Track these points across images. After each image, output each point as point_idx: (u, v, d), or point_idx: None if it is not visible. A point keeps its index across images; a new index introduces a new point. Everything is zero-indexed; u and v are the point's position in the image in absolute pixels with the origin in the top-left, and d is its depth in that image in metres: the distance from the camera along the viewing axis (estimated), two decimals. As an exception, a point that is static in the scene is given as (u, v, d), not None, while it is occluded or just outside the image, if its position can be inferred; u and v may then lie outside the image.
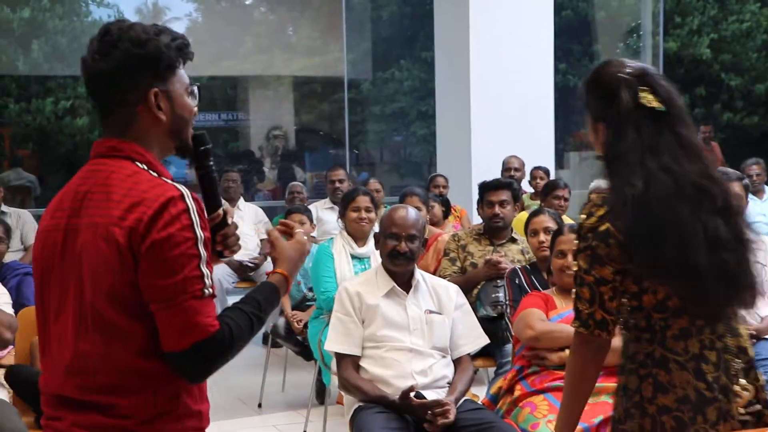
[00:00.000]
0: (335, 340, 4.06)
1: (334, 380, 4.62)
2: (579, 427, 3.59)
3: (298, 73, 14.47)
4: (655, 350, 2.39)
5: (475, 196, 6.03)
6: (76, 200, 2.07)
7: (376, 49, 15.60)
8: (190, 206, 2.00)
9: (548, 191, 7.08)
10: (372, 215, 5.50)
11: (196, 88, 2.21)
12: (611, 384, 3.78)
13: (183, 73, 2.17)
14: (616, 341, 3.87)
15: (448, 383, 4.03)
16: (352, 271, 5.31)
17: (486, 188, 5.64)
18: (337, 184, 7.97)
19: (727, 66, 16.93)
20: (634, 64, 2.47)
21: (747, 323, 2.61)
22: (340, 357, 4.05)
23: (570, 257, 4.09)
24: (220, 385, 6.96)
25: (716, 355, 2.37)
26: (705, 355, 2.36)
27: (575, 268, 2.44)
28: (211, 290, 2.01)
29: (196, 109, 2.21)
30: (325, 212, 7.98)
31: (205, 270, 2.00)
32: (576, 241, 2.44)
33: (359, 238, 5.49)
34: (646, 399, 2.40)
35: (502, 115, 8.88)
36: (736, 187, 4.91)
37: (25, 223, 7.28)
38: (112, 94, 2.10)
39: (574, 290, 2.47)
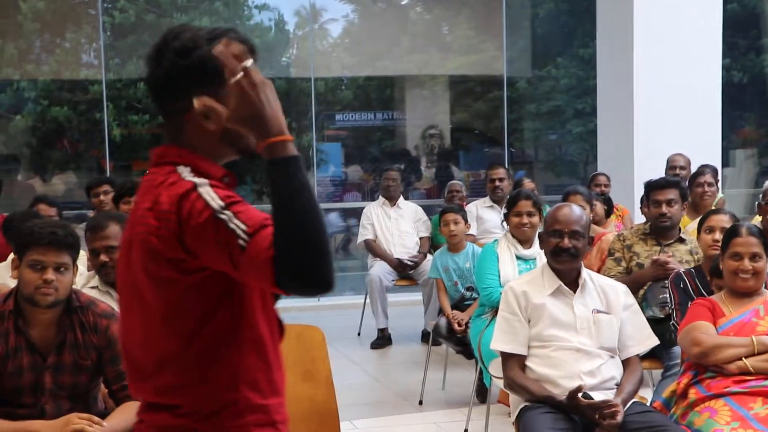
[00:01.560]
0: (501, 339, 4.04)
1: (495, 381, 4.61)
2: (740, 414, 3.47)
3: (454, 72, 14.47)
4: None
5: (638, 195, 5.91)
6: (133, 211, 2.11)
7: (534, 46, 15.46)
8: (201, 191, 1.94)
9: (692, 179, 6.98)
10: (534, 219, 5.53)
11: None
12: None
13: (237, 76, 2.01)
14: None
15: (617, 384, 3.95)
16: (516, 271, 5.31)
17: (653, 187, 5.52)
18: (497, 183, 7.98)
19: None
20: None
21: None
22: (506, 356, 4.03)
23: (747, 260, 3.96)
24: (381, 381, 7.05)
25: None
26: None
27: None
28: (246, 234, 1.86)
29: None
30: (485, 210, 7.99)
31: (232, 225, 1.88)
32: None
33: (524, 240, 5.53)
34: None
35: (666, 112, 8.67)
36: None
37: None
38: (164, 102, 2.09)
39: None
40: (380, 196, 8.59)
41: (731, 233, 4.12)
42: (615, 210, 7.71)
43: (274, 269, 1.82)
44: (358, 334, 8.69)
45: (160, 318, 2.02)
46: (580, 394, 3.70)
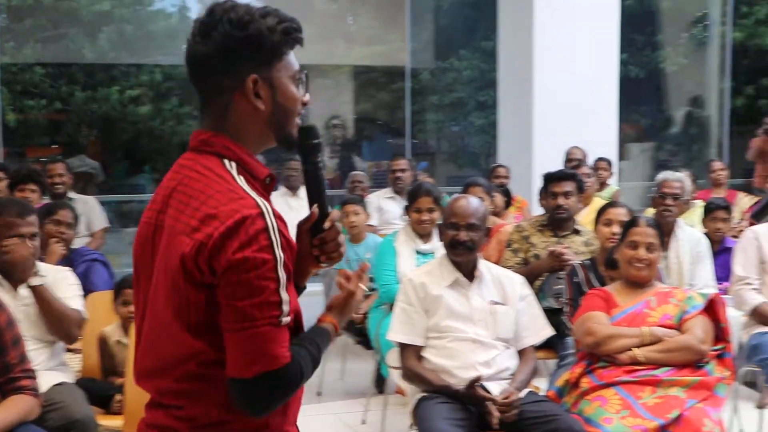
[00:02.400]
0: (398, 330, 4.05)
1: (392, 371, 4.62)
2: (654, 423, 3.57)
3: (358, 62, 14.46)
4: None
5: (536, 187, 5.98)
6: (165, 195, 1.96)
7: (437, 38, 15.54)
8: (269, 225, 1.84)
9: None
10: (434, 215, 5.53)
11: (304, 76, 2.04)
12: (685, 378, 3.77)
13: (292, 59, 2.00)
14: (688, 338, 3.86)
15: (512, 375, 4.00)
16: (414, 266, 5.32)
17: (550, 179, 5.59)
18: (399, 174, 7.99)
19: (794, 57, 16.59)
20: None
21: None
22: (403, 347, 4.04)
23: (643, 250, 4.06)
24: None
25: None
26: None
27: None
28: (288, 318, 1.86)
29: (307, 97, 2.05)
30: (386, 201, 8.00)
31: (284, 296, 1.85)
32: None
33: (423, 235, 5.54)
34: None
35: (564, 106, 8.80)
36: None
37: (91, 209, 7.37)
38: (210, 80, 1.95)
39: None
40: (282, 187, 8.54)
41: (630, 223, 4.22)
42: (514, 201, 7.80)
43: (272, 371, 1.83)
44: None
45: (170, 318, 1.90)
46: (477, 385, 3.74)
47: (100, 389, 4.29)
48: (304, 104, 2.05)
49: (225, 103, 1.95)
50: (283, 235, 1.87)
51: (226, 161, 1.94)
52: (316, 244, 2.10)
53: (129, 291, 4.26)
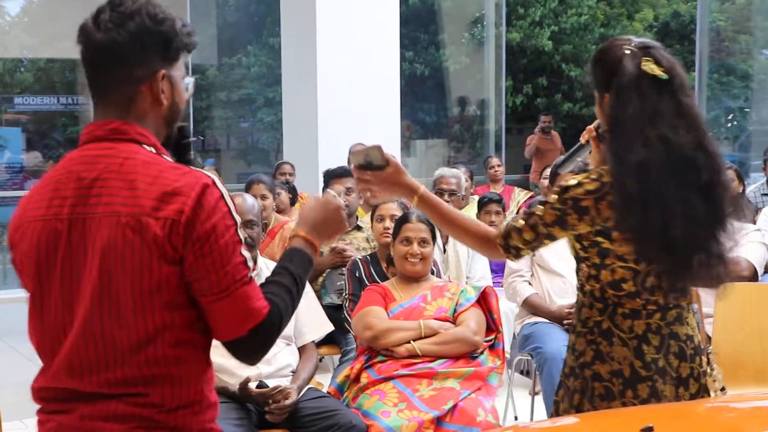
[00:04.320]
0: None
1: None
2: (430, 415, 3.64)
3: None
4: (604, 321, 2.56)
5: (322, 184, 6.01)
6: (81, 188, 1.95)
7: (222, 34, 15.38)
8: (223, 192, 1.94)
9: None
10: None
11: (192, 82, 2.11)
12: (459, 369, 3.88)
13: (182, 63, 2.07)
14: (463, 330, 3.97)
15: (293, 372, 4.00)
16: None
17: (331, 176, 5.64)
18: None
19: (567, 57, 17.45)
20: (638, 39, 2.55)
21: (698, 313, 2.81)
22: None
23: (416, 245, 4.14)
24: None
25: (659, 339, 2.54)
26: (648, 338, 2.53)
27: (538, 213, 2.51)
28: (254, 273, 1.99)
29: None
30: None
31: (246, 254, 1.96)
32: (554, 196, 2.50)
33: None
34: (586, 363, 2.59)
35: (348, 103, 8.87)
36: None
37: None
38: (117, 69, 1.97)
39: (520, 222, 2.54)
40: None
41: (402, 220, 4.29)
42: (300, 198, 7.81)
43: (259, 323, 1.96)
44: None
45: (137, 301, 1.91)
46: (254, 384, 3.70)
47: None
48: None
49: (130, 94, 1.99)
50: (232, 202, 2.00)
51: (145, 146, 1.98)
52: None
53: None
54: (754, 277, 4.96)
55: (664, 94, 2.45)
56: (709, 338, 4.41)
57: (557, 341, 4.45)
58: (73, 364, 1.96)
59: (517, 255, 2.58)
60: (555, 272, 4.86)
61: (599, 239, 2.53)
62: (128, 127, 1.98)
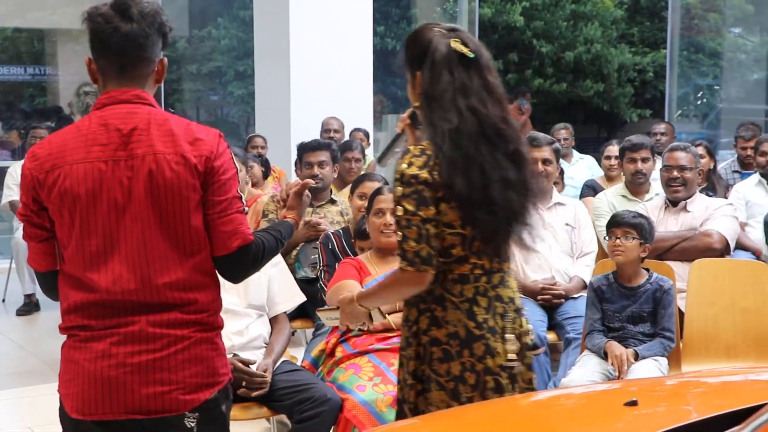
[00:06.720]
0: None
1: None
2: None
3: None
4: (436, 289, 2.71)
5: (294, 157, 5.98)
6: (122, 136, 2.44)
7: (193, 6, 15.24)
8: (228, 144, 2.56)
9: (342, 151, 6.92)
10: None
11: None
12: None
13: None
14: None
15: (265, 342, 4.00)
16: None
17: (305, 149, 5.61)
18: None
19: (538, 33, 17.44)
20: (446, 24, 2.80)
21: (518, 278, 3.13)
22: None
23: (389, 216, 4.11)
24: (28, 349, 6.77)
25: (487, 301, 2.72)
26: (477, 300, 2.72)
27: (400, 213, 2.67)
28: (247, 209, 2.58)
29: None
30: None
31: (241, 192, 2.55)
32: (399, 188, 2.66)
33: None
34: (421, 330, 2.74)
35: (321, 77, 8.84)
36: (547, 152, 5.07)
37: None
38: (143, 53, 2.49)
39: (400, 234, 2.66)
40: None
41: (375, 192, 4.26)
42: (272, 172, 7.78)
43: (246, 244, 2.50)
44: (2, 300, 8.37)
45: (187, 217, 2.45)
46: (230, 356, 3.69)
47: None
48: None
49: (148, 73, 2.55)
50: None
51: (156, 109, 2.55)
52: None
53: None
54: (726, 249, 5.00)
55: (472, 71, 2.70)
56: (682, 312, 4.46)
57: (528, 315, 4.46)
58: (134, 276, 2.42)
59: (436, 262, 2.67)
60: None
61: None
62: (146, 95, 2.53)
